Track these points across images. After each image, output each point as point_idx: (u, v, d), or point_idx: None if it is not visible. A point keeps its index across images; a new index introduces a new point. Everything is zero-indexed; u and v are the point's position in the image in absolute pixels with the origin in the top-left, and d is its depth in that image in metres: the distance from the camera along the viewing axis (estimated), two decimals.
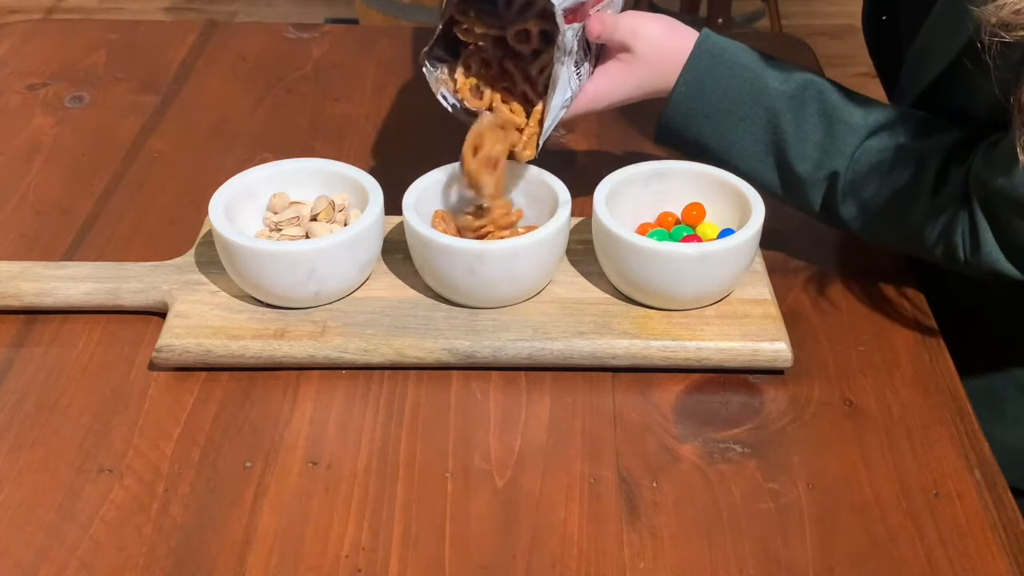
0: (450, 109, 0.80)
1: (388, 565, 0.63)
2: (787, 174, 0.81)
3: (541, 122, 0.78)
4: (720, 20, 2.14)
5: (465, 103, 0.80)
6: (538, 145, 0.78)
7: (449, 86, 0.80)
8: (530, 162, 0.82)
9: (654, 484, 0.68)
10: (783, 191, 0.82)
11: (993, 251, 0.75)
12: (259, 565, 0.63)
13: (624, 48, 0.79)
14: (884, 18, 0.92)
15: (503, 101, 0.80)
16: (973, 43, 0.67)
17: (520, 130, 0.79)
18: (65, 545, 0.64)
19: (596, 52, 0.81)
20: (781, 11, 2.41)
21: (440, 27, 0.78)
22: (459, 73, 0.80)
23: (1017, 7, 0.63)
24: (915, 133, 0.78)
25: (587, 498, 0.67)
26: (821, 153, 0.79)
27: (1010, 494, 0.68)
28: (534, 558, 0.64)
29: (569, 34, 0.73)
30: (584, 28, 0.77)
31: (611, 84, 0.80)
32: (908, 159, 0.77)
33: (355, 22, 2.47)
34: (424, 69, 0.79)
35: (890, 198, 0.78)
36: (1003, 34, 0.63)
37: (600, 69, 0.81)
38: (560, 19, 0.72)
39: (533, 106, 0.79)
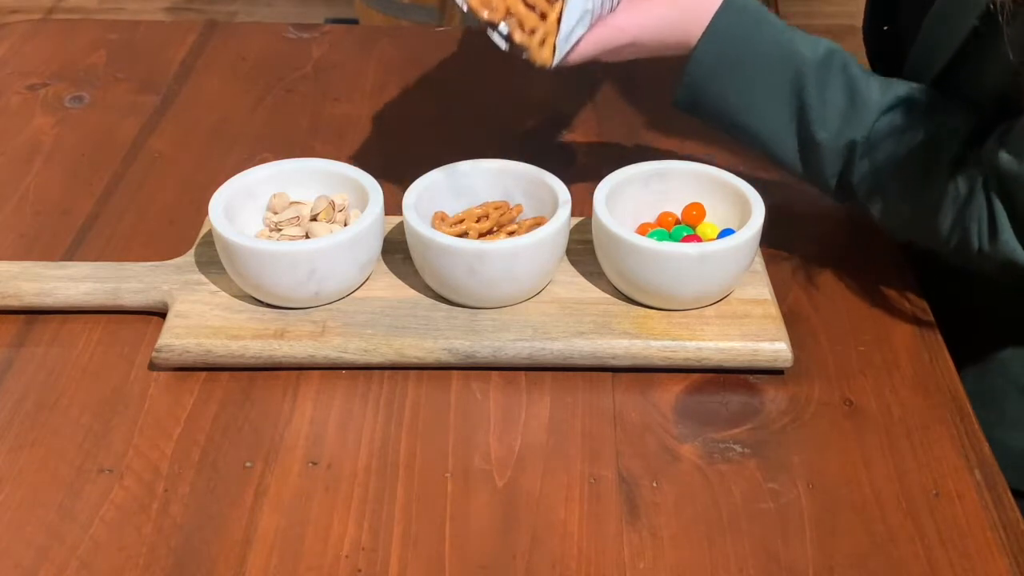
0: (464, 8, 0.77)
1: (388, 565, 0.63)
2: (807, 140, 0.79)
3: (559, 22, 0.73)
4: None
5: (478, 15, 0.75)
6: (555, 49, 0.74)
7: None
8: (529, 162, 0.83)
9: (654, 484, 0.68)
10: (801, 159, 0.80)
11: (1010, 240, 0.74)
12: (259, 565, 0.63)
13: None
14: (885, 28, 0.92)
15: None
16: (977, 30, 0.66)
17: (534, 31, 0.74)
18: (65, 545, 0.64)
19: None
20: (781, 11, 2.42)
21: None
22: None
23: None
24: (935, 113, 0.77)
25: (587, 498, 0.67)
26: (842, 122, 0.77)
27: (1010, 494, 0.68)
28: (534, 558, 0.64)
29: None
30: None
31: (633, 18, 0.77)
32: (927, 139, 0.76)
33: (355, 22, 2.47)
34: None
35: (906, 178, 0.77)
36: None
37: (625, 2, 0.77)
38: None
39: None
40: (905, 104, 0.77)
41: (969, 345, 0.83)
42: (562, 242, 0.79)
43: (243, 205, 0.81)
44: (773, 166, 0.82)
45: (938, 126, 0.76)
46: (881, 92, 0.77)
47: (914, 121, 0.77)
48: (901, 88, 0.78)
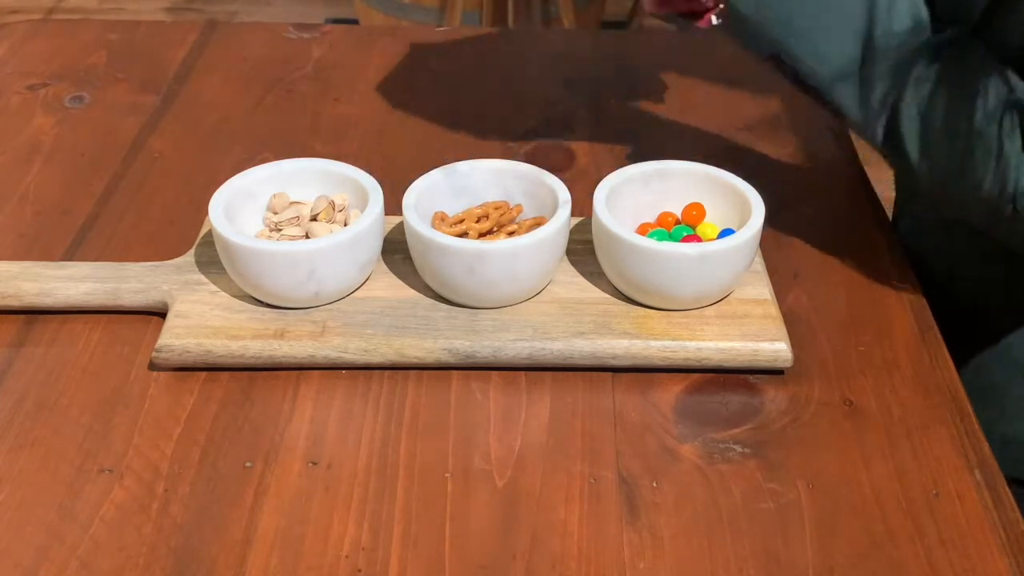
0: None
1: (388, 565, 0.63)
2: (869, 50, 0.76)
3: None
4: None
5: None
6: None
7: None
8: (529, 162, 0.83)
9: (654, 484, 0.68)
10: (859, 73, 0.77)
11: None
12: (259, 565, 0.63)
13: None
14: None
15: None
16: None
17: None
18: (65, 545, 0.64)
19: None
20: None
21: None
22: None
23: None
24: (991, 60, 0.75)
25: (587, 498, 0.67)
26: (905, 39, 0.75)
27: (1010, 494, 0.68)
28: (534, 558, 0.64)
29: None
30: None
31: None
32: (981, 79, 0.74)
33: (355, 22, 2.48)
34: None
35: (956, 111, 0.75)
36: None
37: None
38: None
39: None
40: (962, 44, 0.75)
41: (969, 344, 0.83)
42: (562, 242, 0.79)
43: (243, 205, 0.81)
44: (817, 98, 0.79)
45: (991, 71, 0.74)
46: (939, 32, 0.76)
47: (969, 61, 0.75)
48: (960, 32, 0.76)
